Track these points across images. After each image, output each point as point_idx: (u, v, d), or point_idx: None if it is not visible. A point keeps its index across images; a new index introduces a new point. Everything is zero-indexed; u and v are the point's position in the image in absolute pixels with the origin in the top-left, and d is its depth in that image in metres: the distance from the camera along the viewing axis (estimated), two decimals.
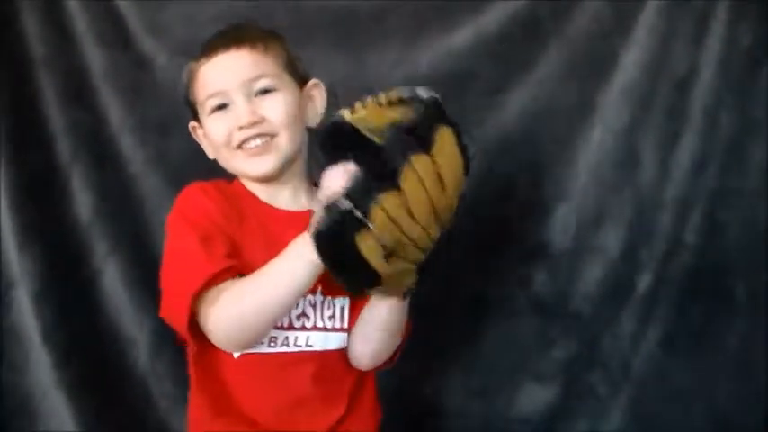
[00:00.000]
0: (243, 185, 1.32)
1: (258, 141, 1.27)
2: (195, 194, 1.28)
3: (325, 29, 1.69)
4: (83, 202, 1.70)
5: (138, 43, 1.72)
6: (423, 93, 1.10)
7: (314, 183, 1.26)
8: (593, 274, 1.66)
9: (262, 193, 1.31)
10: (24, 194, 1.68)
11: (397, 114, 1.08)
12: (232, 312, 1.18)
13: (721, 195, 1.64)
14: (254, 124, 1.26)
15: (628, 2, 1.65)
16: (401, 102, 1.10)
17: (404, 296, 1.23)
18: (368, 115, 1.09)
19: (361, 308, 1.28)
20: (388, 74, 1.67)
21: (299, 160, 1.31)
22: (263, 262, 1.18)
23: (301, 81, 1.32)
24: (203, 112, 1.31)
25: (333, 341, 1.28)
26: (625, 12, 1.65)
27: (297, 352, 1.26)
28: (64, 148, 1.71)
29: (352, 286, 1.15)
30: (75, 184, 1.70)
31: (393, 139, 1.07)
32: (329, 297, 1.28)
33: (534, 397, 1.68)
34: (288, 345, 1.25)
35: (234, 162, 1.30)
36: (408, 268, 1.13)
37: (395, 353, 1.33)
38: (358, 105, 1.10)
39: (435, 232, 1.11)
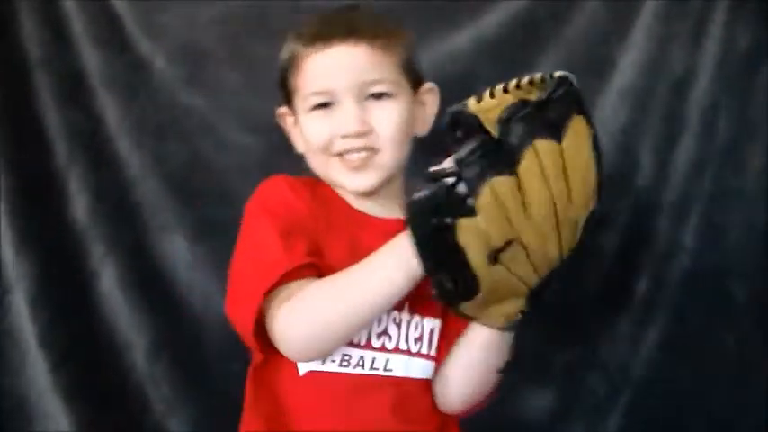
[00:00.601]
0: (330, 187, 1.19)
1: (362, 154, 1.13)
2: (280, 185, 1.15)
3: None
4: (79, 204, 1.69)
5: (136, 45, 1.71)
6: (559, 72, 0.92)
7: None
8: (590, 277, 1.66)
9: (352, 198, 1.18)
10: (21, 197, 1.66)
11: (526, 95, 0.90)
12: (307, 315, 1.03)
13: (719, 198, 1.64)
14: (360, 135, 1.13)
15: (625, 4, 1.65)
16: (532, 84, 0.92)
17: (504, 328, 1.04)
18: (495, 105, 0.90)
19: (455, 335, 1.11)
20: None
21: (399, 174, 1.18)
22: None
23: (416, 83, 1.19)
24: (302, 105, 1.16)
25: (416, 368, 1.13)
26: (622, 14, 1.65)
27: (372, 375, 1.10)
28: (61, 150, 1.69)
29: (444, 291, 0.94)
30: (73, 187, 1.69)
31: (514, 114, 0.88)
32: (417, 316, 1.13)
33: (533, 400, 1.67)
34: (363, 366, 1.10)
35: (329, 170, 1.16)
36: (515, 285, 0.94)
37: (486, 398, 1.16)
38: (486, 94, 0.92)
39: (553, 246, 0.92)
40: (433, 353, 1.14)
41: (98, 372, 1.68)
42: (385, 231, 1.05)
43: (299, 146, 1.22)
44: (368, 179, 1.15)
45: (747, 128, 1.64)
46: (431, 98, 1.21)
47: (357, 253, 1.05)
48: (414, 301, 1.09)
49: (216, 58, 1.70)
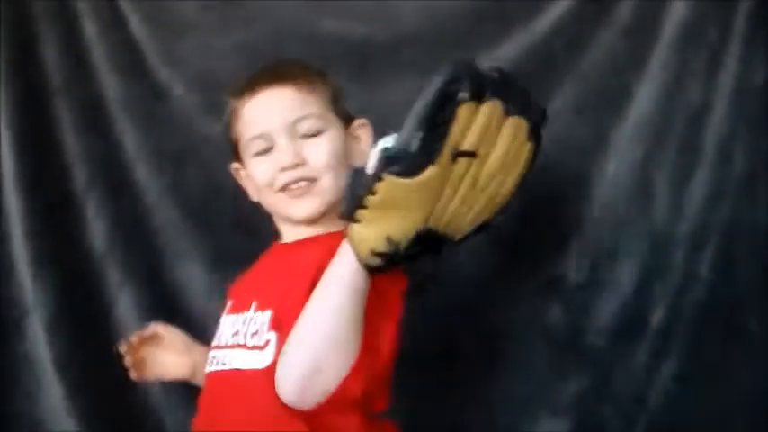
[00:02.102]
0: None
1: (301, 184, 1.24)
2: None
3: (341, 59, 1.69)
4: (97, 230, 1.71)
5: (155, 73, 1.73)
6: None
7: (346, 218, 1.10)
8: (606, 308, 1.65)
9: (288, 234, 1.30)
10: (39, 222, 1.68)
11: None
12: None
13: (735, 229, 1.63)
14: (296, 166, 1.23)
15: (641, 37, 1.65)
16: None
17: (362, 262, 1.06)
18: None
19: (287, 326, 1.13)
20: (403, 105, 1.66)
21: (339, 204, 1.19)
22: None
23: (346, 119, 1.29)
24: (247, 152, 1.28)
25: (244, 360, 1.19)
26: (638, 47, 1.65)
27: (219, 370, 1.23)
28: (79, 175, 1.71)
29: (409, 144, 1.01)
30: (90, 213, 1.71)
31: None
32: (258, 312, 1.21)
33: (548, 430, 1.67)
34: (217, 364, 1.24)
35: (277, 205, 1.28)
36: (422, 207, 1.03)
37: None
38: None
39: (479, 205, 1.05)
40: (261, 343, 1.17)
41: (114, 397, 1.68)
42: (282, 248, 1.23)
43: (252, 194, 1.34)
44: (310, 205, 1.25)
45: (764, 160, 1.64)
46: (363, 132, 1.31)
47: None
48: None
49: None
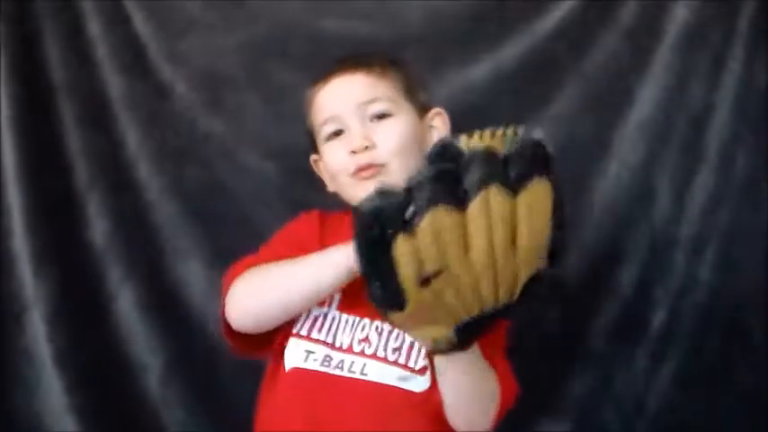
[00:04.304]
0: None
1: (371, 170, 1.22)
2: (297, 219, 1.31)
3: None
4: (98, 227, 1.71)
5: (158, 71, 1.73)
6: (535, 134, 0.94)
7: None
8: (607, 311, 1.66)
9: None
10: (41, 218, 1.68)
11: (499, 145, 0.93)
12: (249, 285, 1.17)
13: (736, 232, 1.64)
14: (365, 149, 1.22)
15: (643, 39, 1.65)
16: (508, 136, 0.95)
17: (432, 351, 1.05)
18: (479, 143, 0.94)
19: None
20: None
21: None
22: None
23: (422, 109, 1.28)
24: (320, 139, 1.28)
25: (391, 376, 1.17)
26: (641, 49, 1.65)
27: (348, 377, 1.17)
28: (81, 172, 1.71)
29: (374, 295, 0.96)
30: (92, 209, 1.71)
31: (477, 159, 0.91)
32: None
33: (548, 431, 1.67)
34: (341, 368, 1.18)
35: (348, 188, 1.25)
36: (440, 314, 0.96)
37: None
38: (477, 134, 0.95)
39: (487, 290, 0.94)
40: (413, 365, 1.17)
41: (113, 393, 1.68)
42: None
43: (329, 185, 1.31)
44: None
45: (765, 162, 1.64)
46: (440, 121, 1.29)
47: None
48: None
49: (236, 85, 1.72)
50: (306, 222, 1.29)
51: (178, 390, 1.69)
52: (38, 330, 1.67)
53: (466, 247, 0.92)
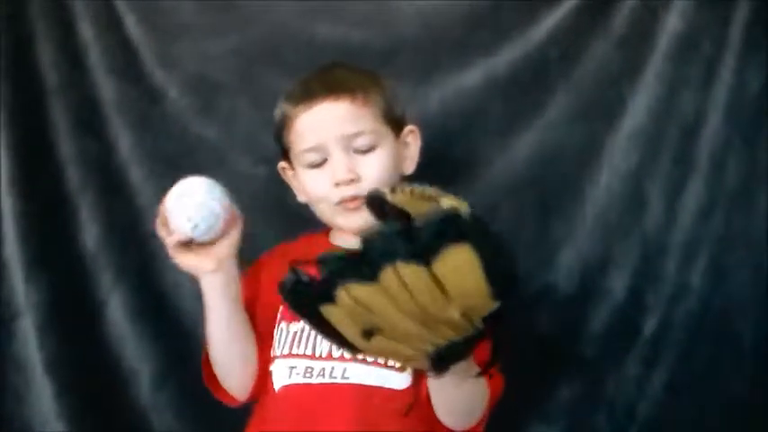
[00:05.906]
0: (327, 236, 1.35)
1: (356, 201, 1.26)
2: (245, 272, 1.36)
3: None
4: (90, 232, 1.70)
5: (150, 75, 1.72)
6: (451, 203, 0.90)
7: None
8: (598, 317, 1.66)
9: (343, 242, 1.31)
10: (32, 223, 1.67)
11: (418, 210, 0.91)
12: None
13: (728, 240, 1.64)
14: (350, 182, 1.27)
15: (636, 47, 1.66)
16: (431, 199, 0.93)
17: (432, 372, 1.03)
18: (400, 202, 0.94)
19: None
20: None
21: None
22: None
23: (398, 127, 1.33)
24: (299, 162, 1.32)
25: (373, 376, 1.21)
26: (633, 56, 1.66)
27: (332, 383, 1.22)
28: (73, 177, 1.71)
29: (338, 346, 0.98)
30: (83, 214, 1.70)
31: (382, 239, 0.90)
32: None
33: None
34: (324, 376, 1.23)
35: (330, 215, 1.31)
36: (400, 353, 0.97)
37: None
38: (399, 188, 0.96)
39: (426, 339, 0.93)
40: (391, 363, 1.19)
41: (103, 399, 1.68)
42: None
43: (299, 196, 1.37)
44: (363, 220, 1.21)
45: (757, 171, 1.64)
46: (412, 138, 1.36)
47: None
48: None
49: (229, 90, 1.72)
50: (243, 281, 1.33)
51: (169, 396, 1.68)
52: (28, 337, 1.66)
53: (390, 308, 0.91)
